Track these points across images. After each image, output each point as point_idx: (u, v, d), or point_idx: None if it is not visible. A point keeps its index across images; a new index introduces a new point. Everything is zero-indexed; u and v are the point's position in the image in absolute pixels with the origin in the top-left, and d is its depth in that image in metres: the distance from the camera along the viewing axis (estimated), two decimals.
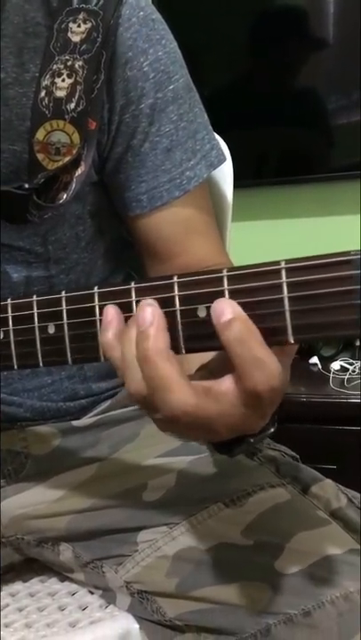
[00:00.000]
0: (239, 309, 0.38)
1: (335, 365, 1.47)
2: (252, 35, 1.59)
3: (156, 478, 0.67)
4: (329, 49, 1.52)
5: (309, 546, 0.57)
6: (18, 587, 0.75)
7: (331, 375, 1.44)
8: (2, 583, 0.76)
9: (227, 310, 0.38)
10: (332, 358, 1.51)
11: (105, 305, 0.44)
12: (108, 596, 0.69)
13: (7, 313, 0.49)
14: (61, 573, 0.75)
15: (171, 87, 0.65)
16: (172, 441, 0.69)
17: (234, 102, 1.57)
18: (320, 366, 1.49)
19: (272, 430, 0.45)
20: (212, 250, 0.70)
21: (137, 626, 0.66)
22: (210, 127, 0.70)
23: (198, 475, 0.66)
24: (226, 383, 0.39)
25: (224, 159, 0.71)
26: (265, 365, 0.37)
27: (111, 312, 0.43)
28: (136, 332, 0.40)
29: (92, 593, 0.72)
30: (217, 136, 0.72)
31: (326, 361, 1.50)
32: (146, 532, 0.65)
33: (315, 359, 1.51)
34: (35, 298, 0.48)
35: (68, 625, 0.66)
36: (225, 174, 0.81)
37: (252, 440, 0.45)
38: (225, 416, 0.39)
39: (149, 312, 0.40)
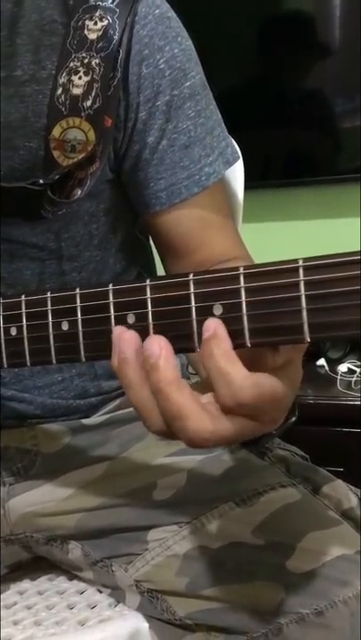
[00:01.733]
0: (221, 329, 0.39)
1: (342, 367, 1.47)
2: (260, 38, 1.59)
3: (166, 477, 0.67)
4: (335, 53, 1.52)
5: (321, 545, 0.57)
6: (26, 585, 0.75)
7: (338, 377, 1.43)
8: (10, 581, 0.76)
9: (209, 327, 0.39)
10: (340, 360, 1.50)
11: (119, 301, 0.44)
12: (118, 594, 0.69)
13: (21, 309, 0.49)
14: (70, 572, 0.75)
15: (187, 84, 0.65)
16: None
17: (240, 104, 1.57)
18: (327, 368, 1.49)
19: (294, 419, 0.45)
20: (230, 244, 0.70)
21: (146, 625, 0.65)
22: (223, 124, 0.71)
23: (209, 474, 0.66)
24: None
25: (238, 157, 0.71)
26: (228, 379, 0.38)
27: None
28: (146, 365, 0.40)
29: (100, 592, 0.72)
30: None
31: (333, 363, 1.50)
32: (156, 531, 0.65)
33: (322, 361, 1.50)
34: (49, 294, 0.48)
35: (77, 623, 0.66)
36: (236, 173, 0.81)
37: (273, 432, 0.45)
38: (240, 429, 0.40)
39: (156, 344, 0.40)
